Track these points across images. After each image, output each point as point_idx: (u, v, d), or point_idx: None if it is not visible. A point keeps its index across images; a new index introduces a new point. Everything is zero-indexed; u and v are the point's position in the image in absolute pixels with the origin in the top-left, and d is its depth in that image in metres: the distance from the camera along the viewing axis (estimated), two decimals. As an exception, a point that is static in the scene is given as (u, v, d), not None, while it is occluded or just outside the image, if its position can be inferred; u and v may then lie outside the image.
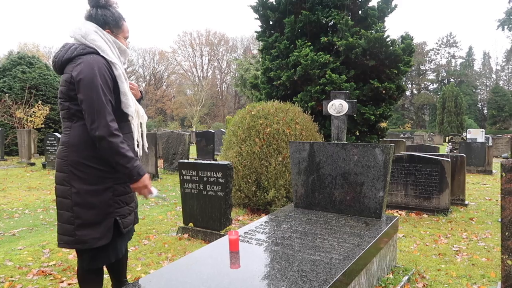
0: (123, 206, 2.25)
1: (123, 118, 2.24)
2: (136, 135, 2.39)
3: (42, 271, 3.43)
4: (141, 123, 2.47)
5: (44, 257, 3.82)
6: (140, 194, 2.25)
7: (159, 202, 6.60)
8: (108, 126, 2.02)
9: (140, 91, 2.57)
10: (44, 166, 11.57)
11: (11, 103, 15.20)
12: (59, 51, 2.19)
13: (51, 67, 18.04)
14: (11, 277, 3.32)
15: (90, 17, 2.22)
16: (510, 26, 40.52)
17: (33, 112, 15.28)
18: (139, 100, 2.54)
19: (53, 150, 11.36)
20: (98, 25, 2.20)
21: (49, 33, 73.01)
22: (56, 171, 2.20)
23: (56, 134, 11.71)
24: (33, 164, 12.45)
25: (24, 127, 14.77)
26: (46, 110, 15.57)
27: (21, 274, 3.38)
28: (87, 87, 2.01)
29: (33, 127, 15.01)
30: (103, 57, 2.14)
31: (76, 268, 2.35)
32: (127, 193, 2.29)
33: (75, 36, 2.18)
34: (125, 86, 2.20)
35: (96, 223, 2.14)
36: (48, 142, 11.61)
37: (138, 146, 2.43)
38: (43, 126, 15.69)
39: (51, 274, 3.39)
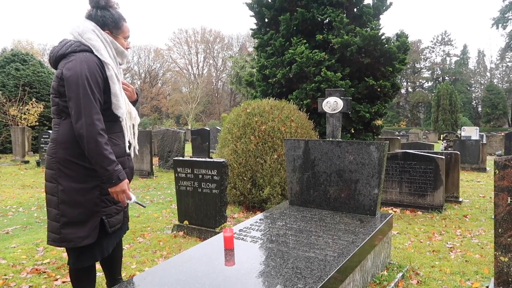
0: (110, 205, 2.24)
1: (114, 117, 2.23)
2: (128, 137, 2.38)
3: (36, 269, 3.41)
4: (133, 125, 2.46)
5: (38, 255, 3.80)
6: (118, 199, 2.17)
7: (154, 200, 6.59)
8: (93, 125, 2.00)
9: (136, 93, 2.55)
10: (38, 164, 11.50)
11: (4, 100, 15.07)
12: (55, 46, 2.21)
13: (46, 64, 17.97)
14: (5, 275, 3.30)
15: (90, 17, 2.22)
16: (504, 24, 40.78)
17: (27, 109, 15.17)
18: (134, 102, 2.53)
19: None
20: (97, 25, 2.20)
21: (43, 30, 72.49)
22: (46, 168, 2.19)
23: (51, 131, 11.63)
24: (27, 162, 12.37)
25: (18, 125, 14.65)
26: (40, 107, 15.46)
27: (14, 272, 3.37)
28: (75, 84, 2.00)
29: (27, 125, 14.90)
30: (96, 56, 2.13)
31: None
32: None
33: (73, 33, 2.18)
34: (116, 87, 2.18)
35: (81, 221, 2.13)
36: (42, 139, 11.55)
37: (129, 148, 2.42)
38: (37, 123, 15.58)
39: (45, 272, 3.37)
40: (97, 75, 2.08)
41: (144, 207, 2.53)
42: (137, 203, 2.29)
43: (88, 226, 2.14)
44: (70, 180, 2.11)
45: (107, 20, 2.22)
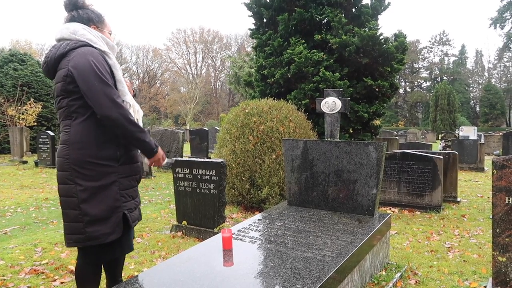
0: (129, 200, 2.28)
1: None
2: None
3: (35, 270, 3.41)
4: (137, 119, 2.47)
5: (37, 256, 3.80)
6: (156, 165, 2.36)
7: (152, 200, 6.58)
8: (116, 103, 2.06)
9: (133, 89, 2.58)
10: (36, 164, 11.48)
11: (2, 100, 15.03)
12: (49, 51, 2.22)
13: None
14: (3, 276, 3.30)
15: (73, 19, 2.25)
16: (502, 24, 40.89)
17: (25, 109, 15.13)
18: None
19: (46, 148, 11.27)
20: (83, 24, 2.24)
21: (42, 30, 72.29)
22: (58, 171, 2.18)
23: (49, 132, 11.61)
24: (25, 162, 12.35)
25: (16, 125, 14.62)
26: (39, 107, 15.42)
27: (13, 273, 3.36)
28: (86, 74, 2.03)
29: (25, 125, 14.87)
30: (95, 48, 2.17)
31: (69, 266, 2.33)
32: (132, 187, 2.31)
33: (63, 35, 2.20)
34: (120, 74, 2.24)
35: (105, 218, 2.14)
36: (40, 140, 11.51)
37: None
38: (35, 124, 15.54)
39: (43, 272, 3.37)
40: (104, 63, 2.13)
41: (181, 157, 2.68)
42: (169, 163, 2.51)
43: (111, 221, 2.16)
44: (88, 179, 2.11)
45: (91, 15, 2.29)
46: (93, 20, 2.28)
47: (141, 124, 2.52)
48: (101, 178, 2.13)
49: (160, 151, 2.32)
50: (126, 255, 3.71)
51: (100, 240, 2.13)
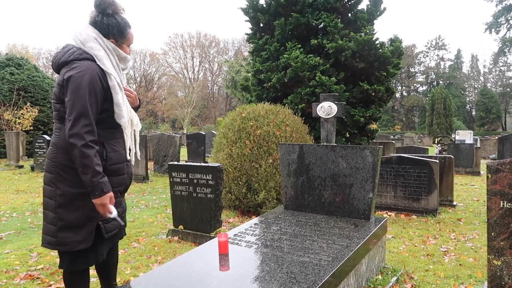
0: None
1: (116, 124, 2.24)
2: (129, 143, 2.39)
3: (30, 275, 3.39)
4: (134, 131, 2.47)
5: (32, 261, 3.78)
6: (99, 211, 2.11)
7: (149, 204, 6.57)
8: (83, 136, 1.99)
9: (139, 99, 2.55)
10: (32, 168, 11.42)
11: (-2, 105, 15.00)
12: (58, 51, 2.22)
13: (40, 69, 17.85)
14: (-2, 281, 3.28)
15: (94, 23, 2.20)
16: (497, 29, 41.13)
17: (22, 114, 15.08)
18: (137, 108, 2.53)
19: (42, 153, 11.23)
20: (101, 33, 2.19)
21: (38, 34, 72.28)
22: (45, 172, 2.21)
23: (45, 136, 11.57)
24: (21, 166, 12.29)
25: (12, 129, 14.57)
26: (35, 112, 15.38)
27: (8, 278, 3.34)
28: (73, 92, 2.01)
29: (21, 129, 14.81)
30: (99, 65, 2.13)
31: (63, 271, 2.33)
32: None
33: (75, 40, 2.19)
34: (119, 97, 2.19)
35: (78, 226, 2.14)
36: (36, 144, 11.47)
37: (130, 154, 2.42)
38: (31, 128, 15.49)
39: (38, 278, 3.35)
40: (96, 86, 2.07)
41: (122, 224, 2.39)
42: (116, 219, 2.21)
43: (84, 230, 2.15)
44: (68, 185, 2.11)
45: (113, 29, 2.20)
46: (114, 35, 2.21)
47: (137, 136, 2.51)
48: (82, 185, 2.09)
49: (105, 199, 2.06)
50: (122, 260, 3.71)
51: (70, 247, 2.12)
